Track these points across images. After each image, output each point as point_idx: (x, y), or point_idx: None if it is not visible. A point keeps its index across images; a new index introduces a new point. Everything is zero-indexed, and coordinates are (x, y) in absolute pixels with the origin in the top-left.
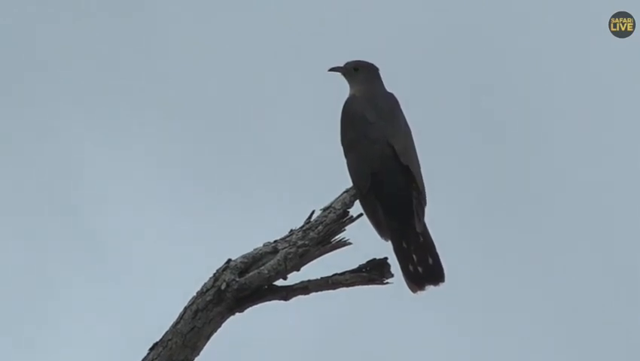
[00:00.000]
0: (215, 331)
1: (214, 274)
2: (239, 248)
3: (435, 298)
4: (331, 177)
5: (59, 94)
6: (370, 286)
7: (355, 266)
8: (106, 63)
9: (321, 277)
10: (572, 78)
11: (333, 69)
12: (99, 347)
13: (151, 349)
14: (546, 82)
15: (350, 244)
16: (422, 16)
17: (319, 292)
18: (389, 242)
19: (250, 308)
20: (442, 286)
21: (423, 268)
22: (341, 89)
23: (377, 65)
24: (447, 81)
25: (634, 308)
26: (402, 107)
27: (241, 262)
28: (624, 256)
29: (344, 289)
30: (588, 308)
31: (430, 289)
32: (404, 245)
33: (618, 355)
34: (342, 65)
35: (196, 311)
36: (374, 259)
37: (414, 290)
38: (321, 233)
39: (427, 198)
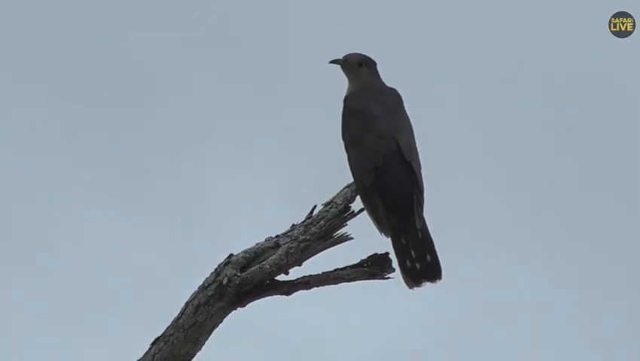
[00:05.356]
0: (217, 326)
1: (216, 269)
2: (240, 243)
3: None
4: (333, 172)
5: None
6: (372, 280)
7: (356, 261)
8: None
9: (323, 272)
10: (571, 77)
11: (334, 61)
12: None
13: (153, 344)
14: (543, 80)
15: (352, 238)
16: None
17: (321, 287)
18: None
19: (251, 303)
20: (439, 283)
21: (421, 264)
22: (339, 83)
23: (375, 59)
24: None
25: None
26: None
27: (242, 257)
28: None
29: (346, 284)
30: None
31: (426, 285)
32: (403, 241)
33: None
34: (340, 57)
35: (198, 306)
36: (375, 253)
37: (410, 286)
38: (323, 228)
39: (425, 196)
